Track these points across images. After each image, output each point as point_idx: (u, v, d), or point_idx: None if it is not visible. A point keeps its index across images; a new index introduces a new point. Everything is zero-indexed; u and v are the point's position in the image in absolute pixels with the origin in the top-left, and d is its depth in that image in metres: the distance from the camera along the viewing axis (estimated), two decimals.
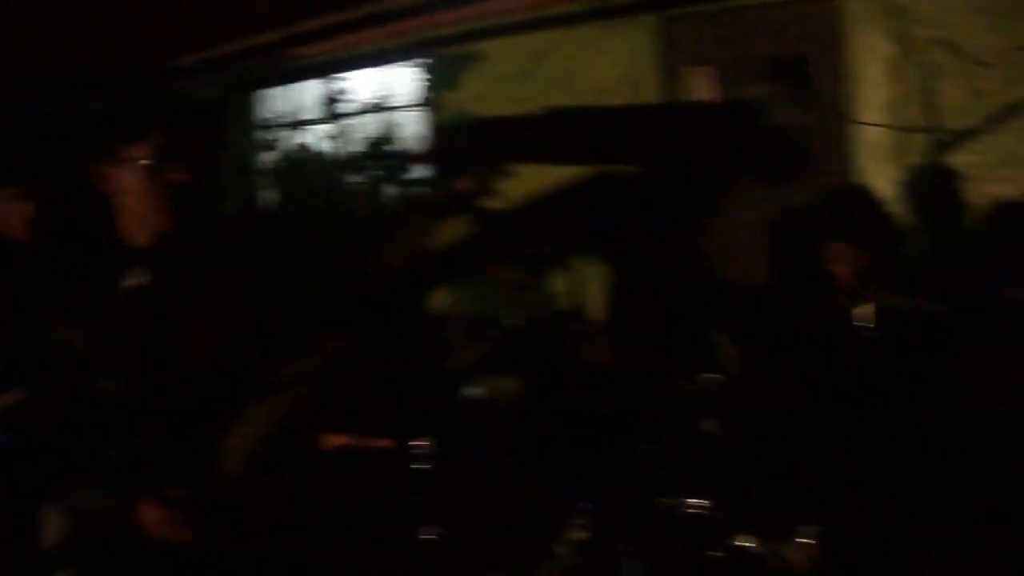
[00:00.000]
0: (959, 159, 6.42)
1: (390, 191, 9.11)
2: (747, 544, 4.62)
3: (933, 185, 6.45)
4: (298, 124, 10.52)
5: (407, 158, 8.81)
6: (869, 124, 6.73)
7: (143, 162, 3.75)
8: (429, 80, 9.28)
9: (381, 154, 9.09)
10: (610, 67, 7.91)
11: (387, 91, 9.78)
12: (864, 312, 4.92)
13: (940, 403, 2.31)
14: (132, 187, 3.75)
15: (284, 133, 10.55)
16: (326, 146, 10.19)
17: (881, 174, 6.61)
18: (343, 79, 10.09)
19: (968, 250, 4.79)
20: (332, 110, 10.08)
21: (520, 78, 8.41)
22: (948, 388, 2.28)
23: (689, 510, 4.77)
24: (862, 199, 5.43)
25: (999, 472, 2.08)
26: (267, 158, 10.48)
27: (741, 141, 1.67)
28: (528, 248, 6.63)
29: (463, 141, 7.50)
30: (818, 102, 1.94)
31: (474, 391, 5.59)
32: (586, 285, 7.80)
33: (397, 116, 9.66)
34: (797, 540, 4.58)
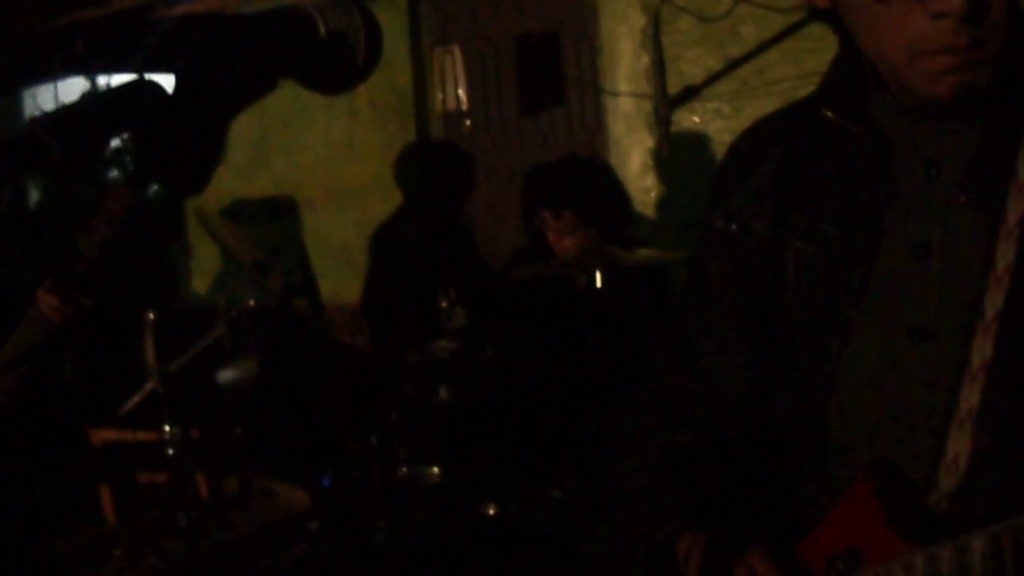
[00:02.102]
0: (712, 125, 6.32)
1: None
2: (495, 510, 4.47)
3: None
4: None
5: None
6: (622, 94, 6.60)
7: None
8: None
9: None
10: None
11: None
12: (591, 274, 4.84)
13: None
14: None
15: None
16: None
17: (636, 143, 6.51)
18: None
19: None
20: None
21: None
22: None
23: (428, 478, 4.62)
24: (577, 173, 5.34)
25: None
26: None
27: (293, 49, 1.50)
28: None
29: None
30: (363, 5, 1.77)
31: (222, 373, 5.37)
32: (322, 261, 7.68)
33: None
34: (546, 503, 4.45)
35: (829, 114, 1.89)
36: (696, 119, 6.40)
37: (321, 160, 7.98)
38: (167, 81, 1.28)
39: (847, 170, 1.85)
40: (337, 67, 1.44)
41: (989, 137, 1.74)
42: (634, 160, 6.51)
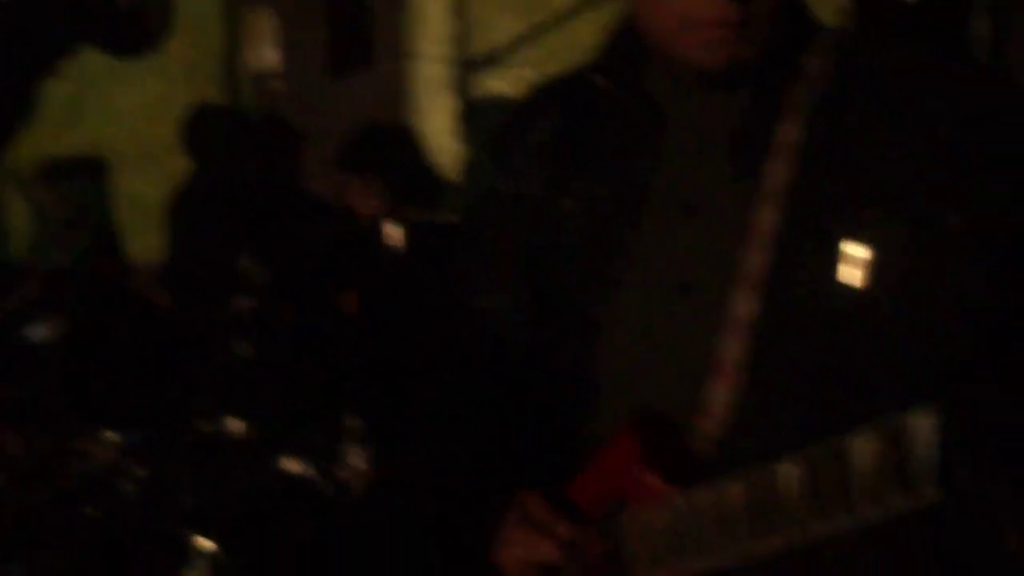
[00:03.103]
0: (518, 91, 6.39)
1: None
2: (294, 467, 4.47)
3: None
4: None
5: None
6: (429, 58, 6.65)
7: None
8: None
9: None
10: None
11: None
12: (395, 232, 4.87)
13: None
14: None
15: None
16: None
17: (440, 107, 6.56)
18: None
19: None
20: None
21: None
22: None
23: (232, 434, 4.61)
24: (387, 140, 5.39)
25: None
26: None
27: (92, 16, 1.53)
28: None
29: None
30: None
31: (32, 331, 5.29)
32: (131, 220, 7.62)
33: None
34: (349, 463, 4.45)
35: (602, 82, 1.96)
36: (502, 84, 6.46)
37: (133, 119, 7.93)
38: None
39: (619, 135, 1.92)
40: (133, 34, 1.49)
41: (753, 109, 1.82)
42: (437, 123, 6.56)
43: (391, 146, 5.34)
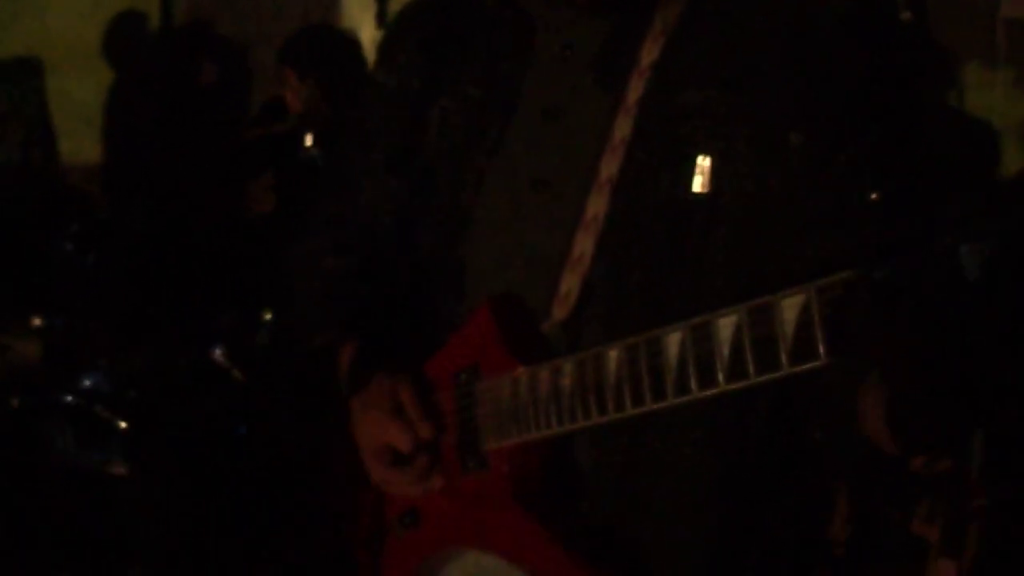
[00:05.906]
0: None
1: None
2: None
3: None
4: None
5: None
6: None
7: None
8: None
9: None
10: None
11: None
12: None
13: None
14: None
15: None
16: None
17: (367, 18, 6.59)
18: None
19: None
20: None
21: None
22: None
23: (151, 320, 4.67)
24: (319, 37, 5.46)
25: None
26: None
27: None
28: None
29: None
30: None
31: None
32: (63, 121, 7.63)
33: None
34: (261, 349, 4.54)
35: None
36: None
37: (68, 22, 7.88)
38: None
39: (493, 43, 2.03)
40: None
41: (618, 29, 1.92)
42: (365, 33, 6.57)
43: (330, 45, 5.40)
